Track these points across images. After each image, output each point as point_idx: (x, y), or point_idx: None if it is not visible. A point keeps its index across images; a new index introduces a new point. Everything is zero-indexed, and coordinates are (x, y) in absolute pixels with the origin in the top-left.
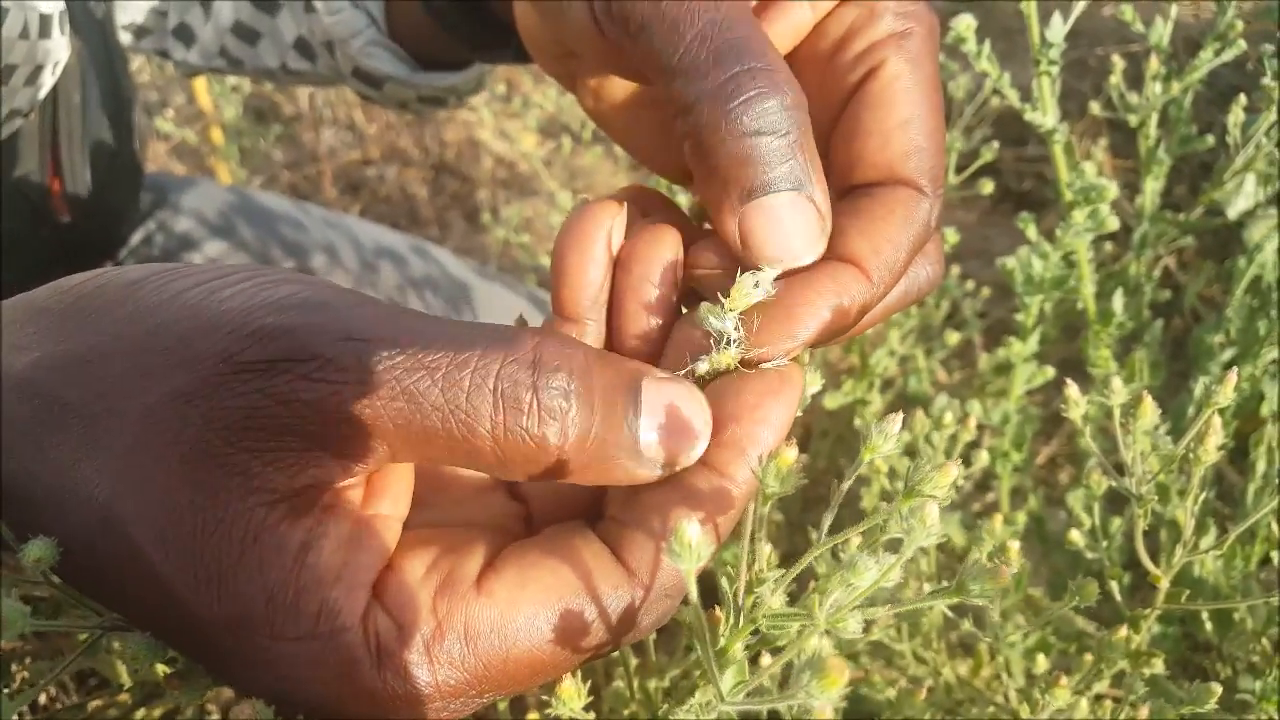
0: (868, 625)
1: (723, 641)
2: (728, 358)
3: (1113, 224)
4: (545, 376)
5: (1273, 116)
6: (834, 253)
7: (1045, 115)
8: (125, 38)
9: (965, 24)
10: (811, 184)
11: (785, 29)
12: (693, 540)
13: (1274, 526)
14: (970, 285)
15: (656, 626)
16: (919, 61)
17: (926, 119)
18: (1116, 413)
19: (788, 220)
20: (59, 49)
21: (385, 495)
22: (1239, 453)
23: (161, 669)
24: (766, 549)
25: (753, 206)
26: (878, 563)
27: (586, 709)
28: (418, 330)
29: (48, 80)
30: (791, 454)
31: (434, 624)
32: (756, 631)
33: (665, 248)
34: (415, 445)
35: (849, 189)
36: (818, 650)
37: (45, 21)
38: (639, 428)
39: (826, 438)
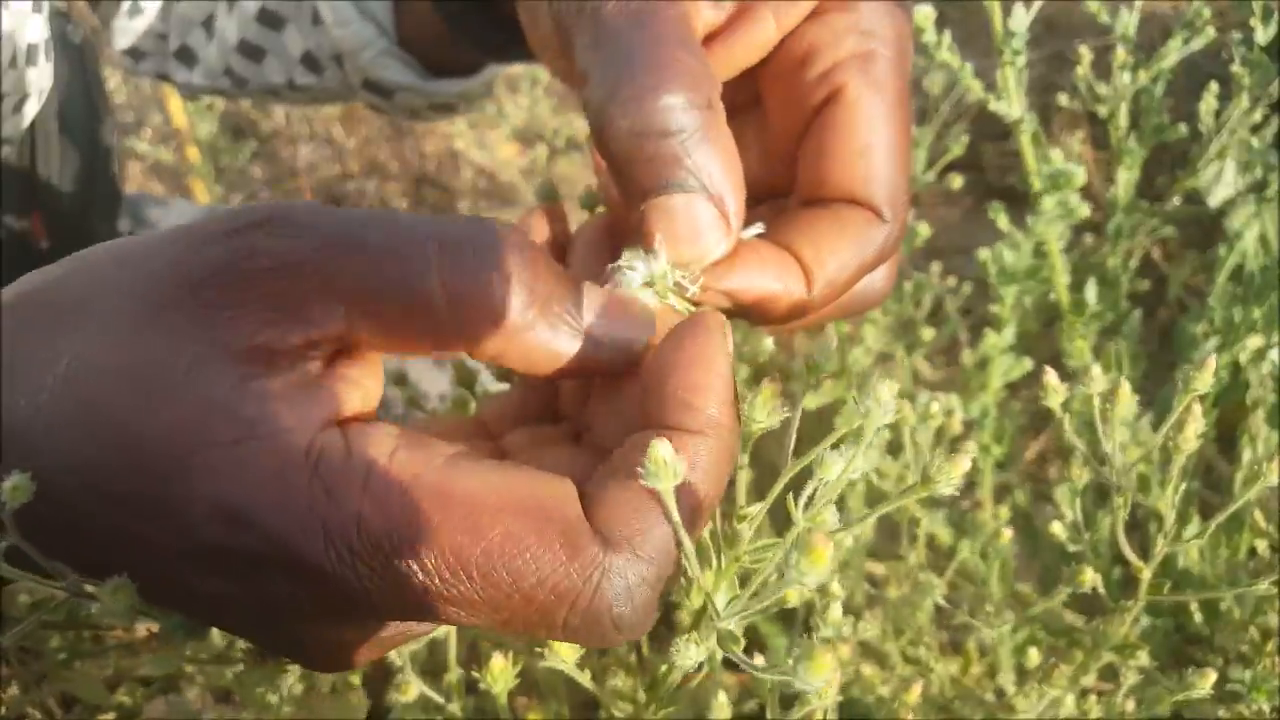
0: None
1: (709, 583)
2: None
3: (1083, 211)
4: (488, 232)
5: (1244, 104)
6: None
7: (1011, 105)
8: (124, 63)
9: (923, 15)
10: (714, 182)
11: (750, 43)
12: (666, 458)
13: (1259, 516)
14: (952, 282)
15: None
16: (882, 85)
17: (889, 145)
18: (1096, 401)
19: (683, 220)
20: (44, 76)
21: (353, 365)
22: (1227, 442)
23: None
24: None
25: (650, 206)
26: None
27: (586, 706)
28: (376, 210)
29: (32, 107)
30: (775, 387)
31: (384, 463)
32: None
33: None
34: (370, 305)
35: (813, 202)
36: (802, 531)
37: (32, 50)
38: (582, 303)
39: (810, 441)
